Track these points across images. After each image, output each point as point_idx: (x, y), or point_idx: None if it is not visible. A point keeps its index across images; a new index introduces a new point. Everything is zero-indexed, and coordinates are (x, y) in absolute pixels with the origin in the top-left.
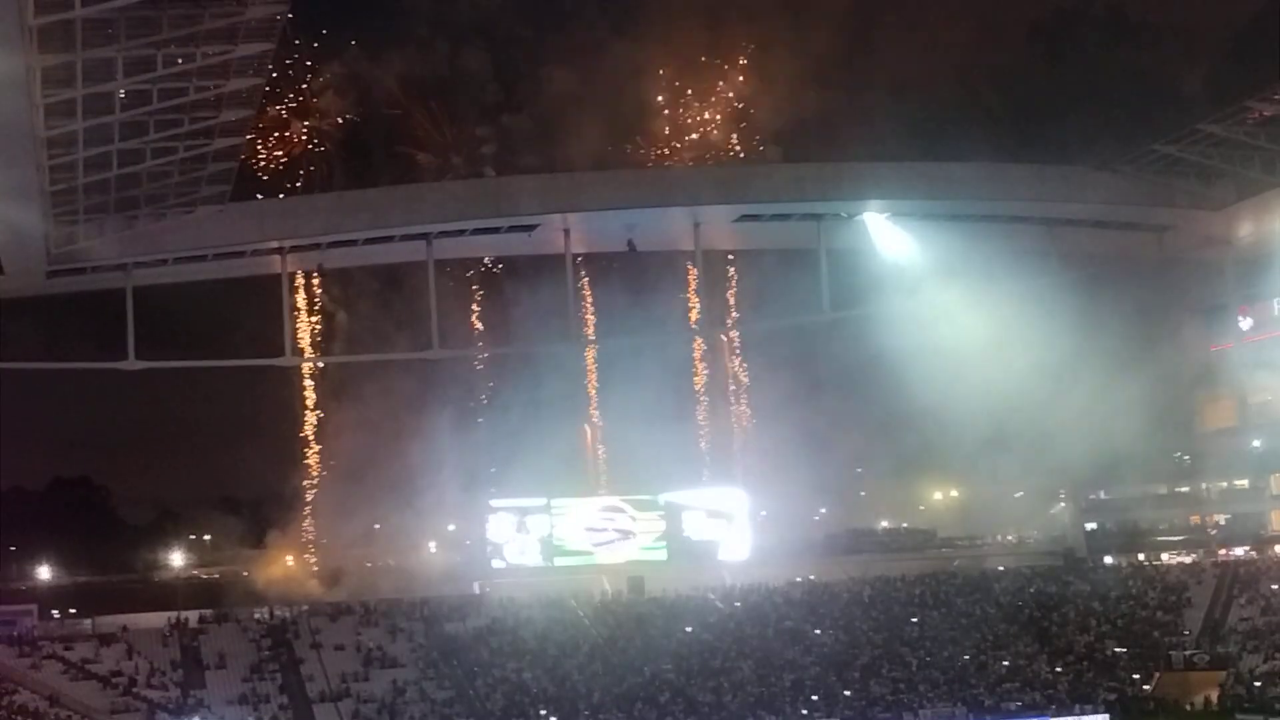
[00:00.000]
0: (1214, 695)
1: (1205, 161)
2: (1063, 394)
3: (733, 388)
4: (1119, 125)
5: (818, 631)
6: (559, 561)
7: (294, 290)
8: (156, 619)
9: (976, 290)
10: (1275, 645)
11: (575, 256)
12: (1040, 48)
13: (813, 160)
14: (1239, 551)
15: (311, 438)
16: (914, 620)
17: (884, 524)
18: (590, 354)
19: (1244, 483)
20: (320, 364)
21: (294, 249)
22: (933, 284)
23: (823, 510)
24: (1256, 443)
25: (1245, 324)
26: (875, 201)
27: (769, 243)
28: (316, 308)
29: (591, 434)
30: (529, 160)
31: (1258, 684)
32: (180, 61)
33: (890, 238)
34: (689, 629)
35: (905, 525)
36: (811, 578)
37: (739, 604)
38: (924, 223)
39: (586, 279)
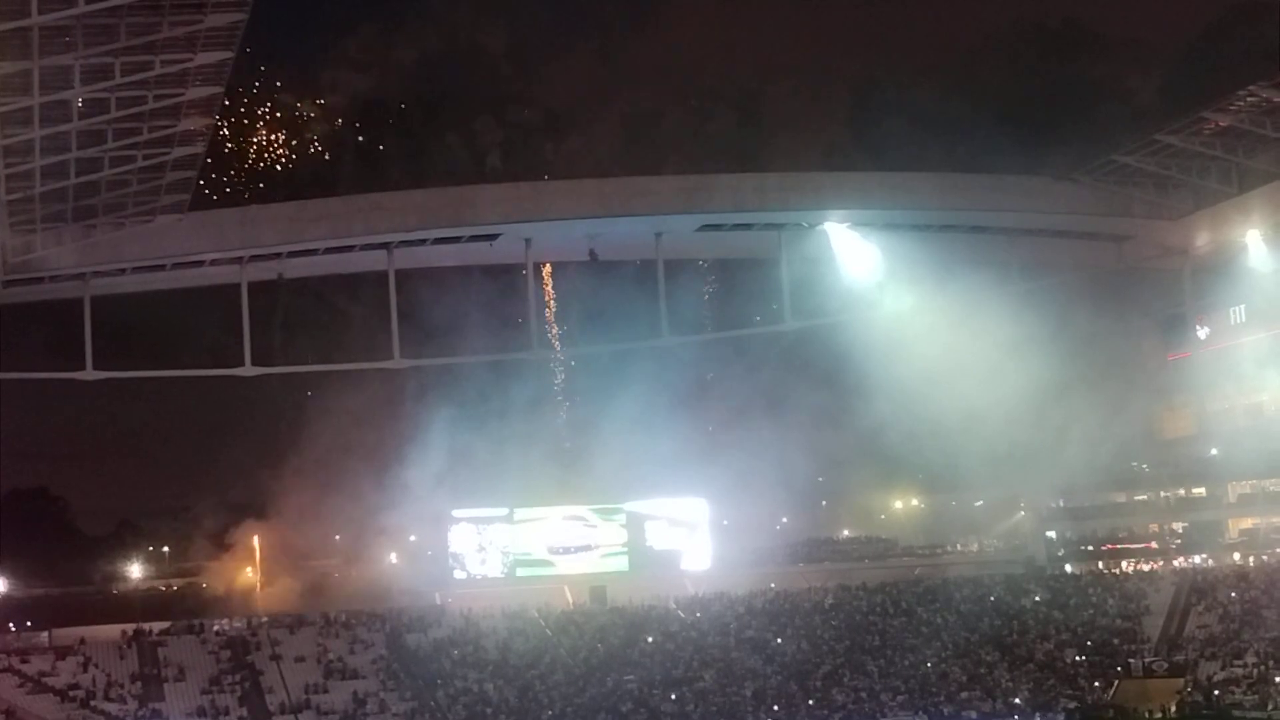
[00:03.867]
0: (1172, 703)
1: (1163, 172)
2: (1023, 404)
3: (696, 397)
4: (1078, 136)
5: (779, 640)
6: (521, 572)
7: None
8: (114, 631)
9: (937, 300)
10: (1233, 653)
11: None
12: (999, 59)
13: (773, 170)
14: (1197, 560)
15: (271, 449)
16: (875, 629)
17: (845, 533)
18: (553, 363)
19: (1202, 491)
20: (282, 374)
21: (253, 259)
22: (894, 294)
23: (785, 519)
24: (1214, 451)
25: (1203, 333)
26: (836, 211)
27: (730, 252)
28: (277, 318)
29: (554, 443)
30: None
31: (1216, 691)
32: (139, 70)
33: (851, 248)
34: (651, 639)
35: (866, 534)
36: (773, 587)
37: (701, 614)
38: (885, 233)
39: (551, 288)
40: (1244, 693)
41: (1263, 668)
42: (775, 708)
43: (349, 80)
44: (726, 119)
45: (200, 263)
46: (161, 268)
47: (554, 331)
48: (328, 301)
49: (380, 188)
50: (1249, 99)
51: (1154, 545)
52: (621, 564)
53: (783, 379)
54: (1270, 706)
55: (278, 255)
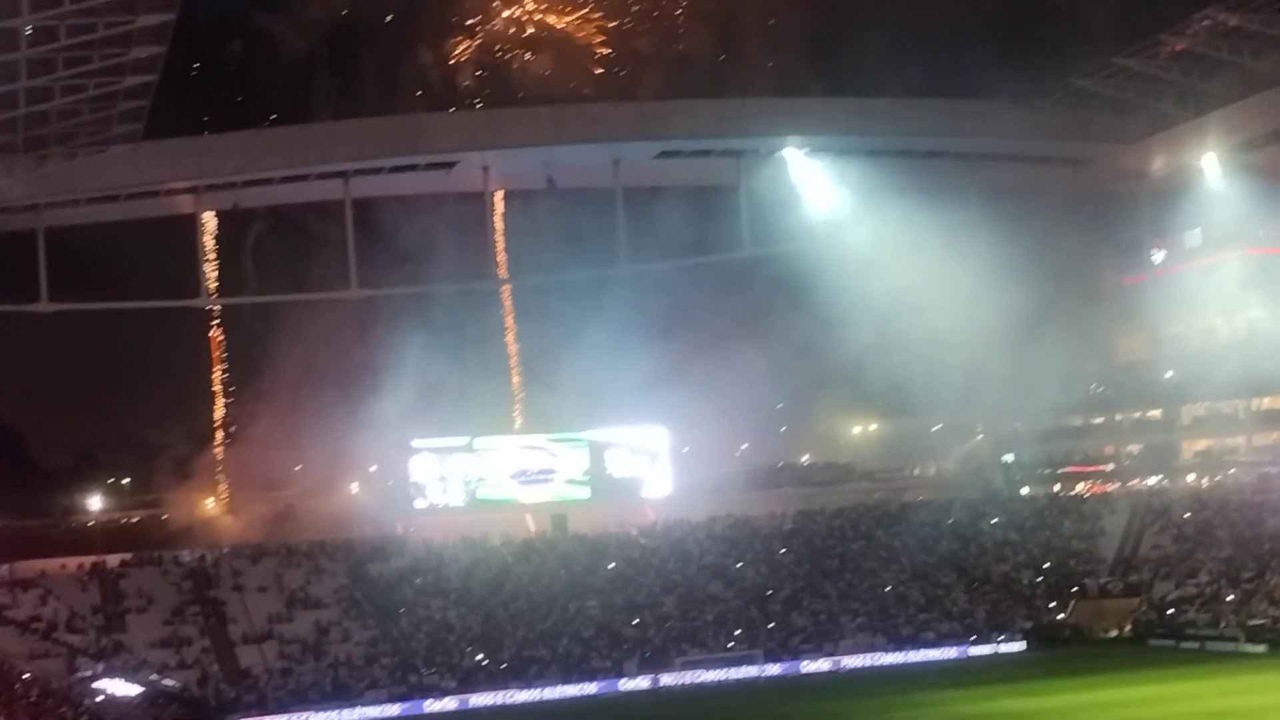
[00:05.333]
0: (1127, 622)
1: (1120, 96)
2: (980, 328)
3: (657, 326)
4: (1035, 60)
5: (740, 565)
6: (482, 500)
7: (207, 231)
8: (75, 563)
9: (895, 226)
10: (1186, 572)
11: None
12: None
13: (730, 96)
14: (1152, 481)
15: (230, 380)
16: (834, 553)
17: (805, 458)
18: (512, 292)
19: (1157, 413)
20: (235, 306)
21: (208, 188)
22: (851, 220)
23: (745, 446)
24: (1169, 374)
25: (1158, 257)
26: (794, 138)
27: (689, 179)
28: (232, 248)
29: (514, 372)
30: None
31: (1169, 610)
32: None
33: (809, 174)
34: (612, 565)
35: (826, 460)
36: (733, 513)
37: (662, 540)
38: (843, 158)
39: (505, 216)
40: (1197, 611)
41: (1215, 586)
42: (736, 631)
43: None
44: (696, 43)
45: (155, 193)
46: (116, 198)
47: (512, 260)
48: (287, 231)
49: (350, 114)
50: (1205, 23)
51: (1110, 468)
52: (583, 492)
53: (743, 306)
54: (1222, 624)
55: (233, 185)
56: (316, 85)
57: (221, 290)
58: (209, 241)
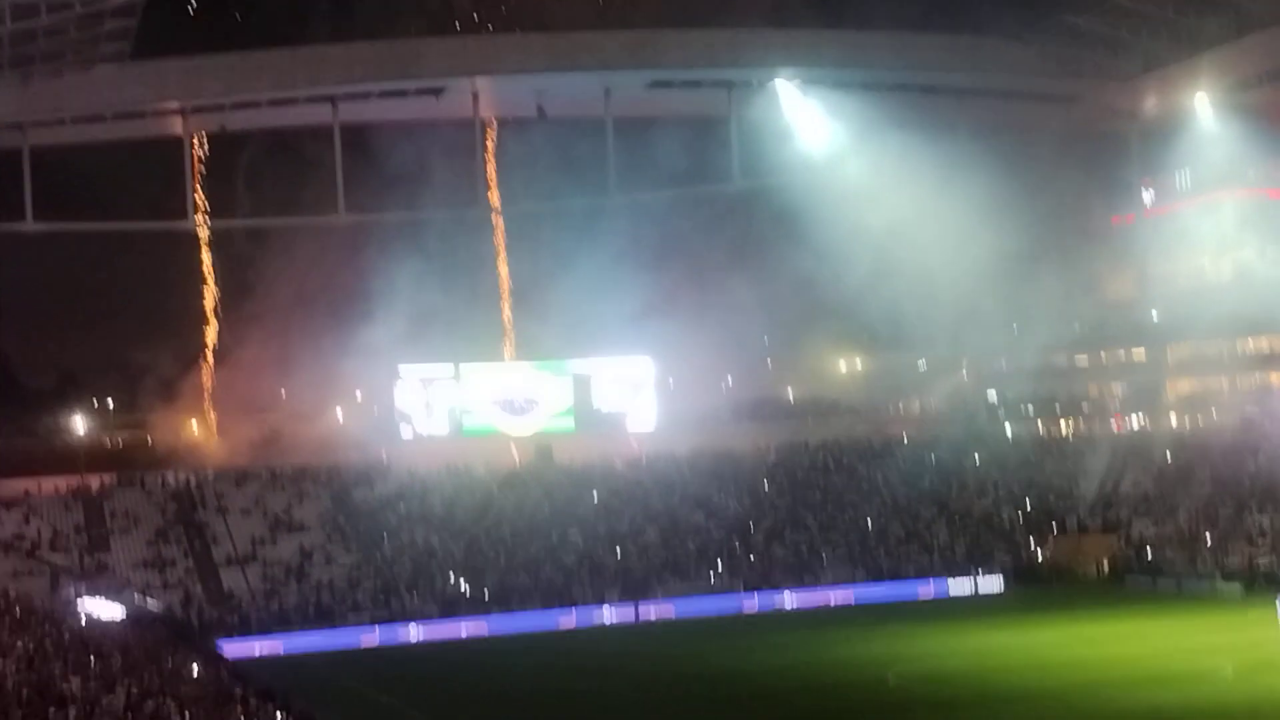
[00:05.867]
0: (1105, 558)
1: (1113, 33)
2: (968, 265)
3: (644, 256)
4: None
5: (723, 497)
6: (467, 429)
7: (195, 153)
8: (59, 484)
9: (886, 161)
10: (1165, 510)
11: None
12: None
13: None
14: (1134, 420)
15: (216, 304)
16: (817, 486)
17: (789, 392)
18: (500, 219)
19: (1141, 353)
20: (225, 228)
21: (195, 110)
22: (843, 154)
23: (729, 378)
24: (1154, 314)
25: (1148, 197)
26: (786, 69)
27: (681, 110)
28: (220, 171)
29: (503, 300)
30: None
31: (1147, 549)
32: None
33: (801, 107)
34: (596, 495)
35: (811, 394)
36: (718, 446)
37: (646, 472)
38: (835, 91)
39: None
40: (1175, 550)
41: (1194, 526)
42: (717, 561)
43: None
44: None
45: (142, 114)
46: (102, 118)
47: (504, 188)
48: (278, 153)
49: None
50: None
51: (1093, 406)
52: (567, 424)
53: (733, 239)
54: (1199, 564)
55: (220, 107)
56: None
57: (211, 212)
58: (197, 163)
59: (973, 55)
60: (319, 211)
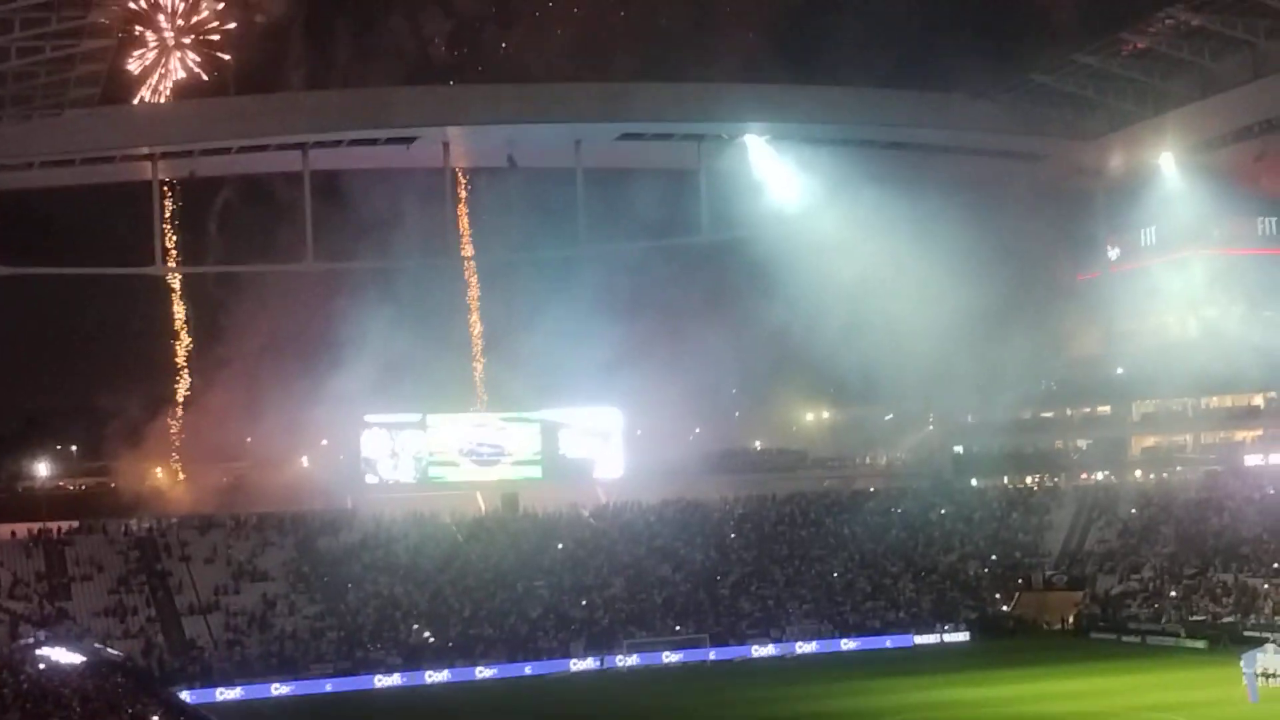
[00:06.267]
0: (1071, 614)
1: (1079, 92)
2: (934, 320)
3: (613, 307)
4: (995, 54)
5: (690, 549)
6: (433, 477)
7: (164, 198)
8: (20, 530)
9: (853, 215)
10: (1130, 567)
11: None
12: None
13: (693, 80)
14: (1099, 476)
15: (183, 350)
16: (784, 539)
17: (758, 444)
18: (470, 269)
19: (1107, 409)
20: (193, 275)
21: (165, 155)
22: (811, 208)
23: (697, 430)
24: (1120, 370)
25: (1113, 254)
26: (756, 124)
27: (651, 162)
28: (189, 217)
29: (469, 350)
30: None
31: (1112, 604)
32: None
33: (769, 161)
34: (562, 546)
35: (778, 446)
36: (685, 496)
37: (612, 522)
38: (804, 146)
39: (469, 192)
40: (1139, 606)
41: (1158, 582)
42: (684, 614)
43: None
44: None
45: (110, 159)
46: (70, 162)
47: (475, 237)
48: (251, 198)
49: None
50: (1167, 22)
51: (1059, 462)
52: (534, 472)
53: (702, 291)
54: (1164, 619)
55: (189, 153)
56: (279, 54)
57: (181, 257)
58: (167, 208)
59: (941, 112)
60: (290, 257)
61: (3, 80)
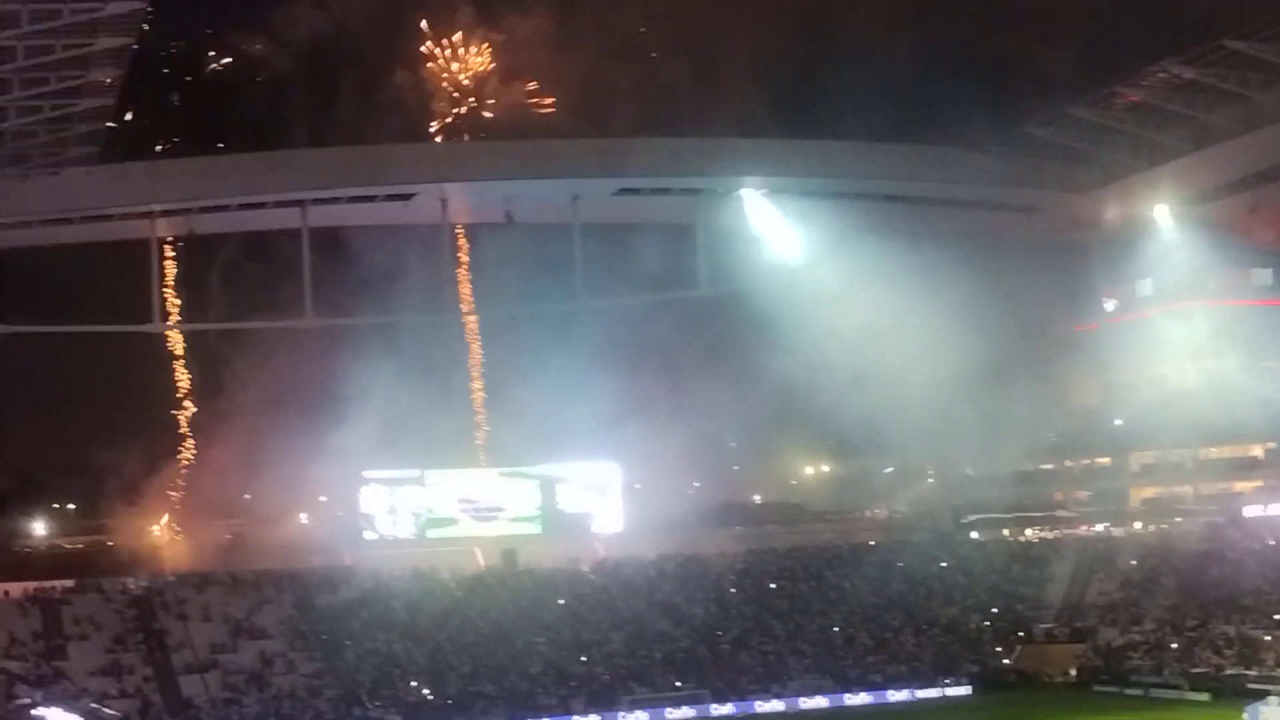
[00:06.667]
0: (1073, 667)
1: (1074, 145)
2: (932, 373)
3: (611, 361)
4: (990, 108)
5: (690, 604)
6: (431, 533)
7: (163, 255)
8: (16, 589)
9: (850, 268)
10: (1132, 619)
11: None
12: (912, 29)
13: (689, 135)
14: (1099, 528)
15: (181, 407)
16: (784, 593)
17: (757, 498)
18: (469, 324)
19: (1106, 460)
20: (190, 332)
21: (163, 213)
22: (809, 261)
23: (696, 484)
24: (1119, 421)
25: (1110, 306)
26: (752, 178)
27: (648, 216)
28: (187, 274)
29: (467, 405)
30: None
31: (1114, 657)
32: (47, 18)
33: (767, 215)
34: (561, 601)
35: (778, 500)
36: (684, 551)
37: (612, 577)
38: (800, 200)
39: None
40: (1141, 658)
41: (1160, 634)
42: (684, 670)
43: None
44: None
45: (109, 216)
46: (69, 221)
47: (475, 292)
48: (252, 253)
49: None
50: (1160, 75)
51: (1058, 513)
52: (533, 527)
53: (700, 344)
54: (1166, 672)
55: (188, 210)
56: (276, 112)
57: (180, 313)
58: (167, 264)
59: (937, 166)
60: (290, 313)
61: (1, 139)
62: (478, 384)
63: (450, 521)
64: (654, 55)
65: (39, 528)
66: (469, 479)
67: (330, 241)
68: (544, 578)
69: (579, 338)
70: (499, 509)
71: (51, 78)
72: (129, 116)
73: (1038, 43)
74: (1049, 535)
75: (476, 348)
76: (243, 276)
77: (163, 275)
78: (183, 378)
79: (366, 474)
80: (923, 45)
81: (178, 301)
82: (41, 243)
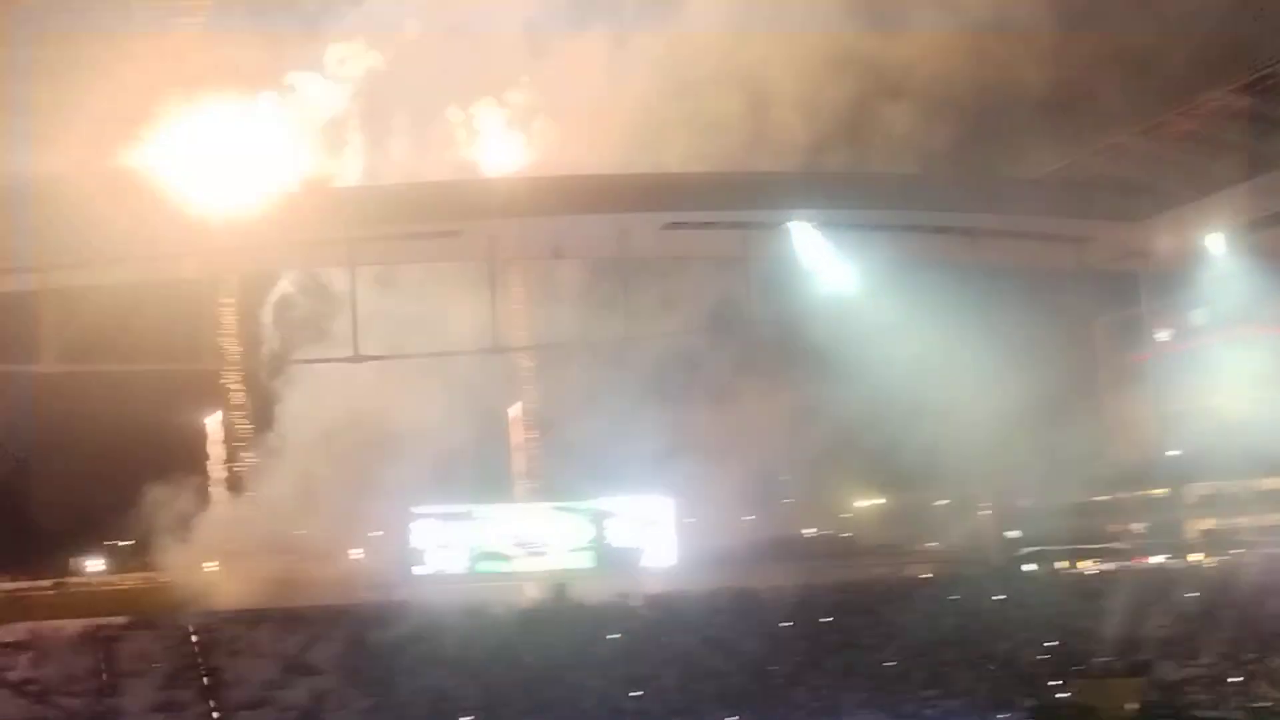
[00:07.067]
0: (1132, 702)
1: (1125, 174)
2: (984, 404)
3: (661, 395)
4: (1041, 137)
5: (742, 639)
6: (482, 568)
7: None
8: (71, 626)
9: (901, 300)
10: (1190, 652)
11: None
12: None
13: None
14: (1156, 560)
15: (233, 443)
16: (837, 628)
17: (808, 532)
18: (520, 359)
19: (1162, 492)
20: (247, 365)
21: (215, 252)
22: (860, 293)
23: (748, 518)
24: (1174, 452)
25: (1163, 336)
26: (801, 211)
27: (697, 250)
28: (239, 312)
29: (518, 439)
30: None
31: (1173, 691)
32: None
33: (816, 247)
34: (613, 636)
35: (829, 533)
36: (736, 585)
37: (664, 611)
38: (849, 232)
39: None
40: (1201, 692)
41: (1219, 668)
42: (737, 706)
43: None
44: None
45: (161, 256)
46: (123, 260)
47: (516, 326)
48: (296, 292)
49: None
50: (1212, 103)
51: (1114, 545)
52: (584, 561)
53: (747, 377)
54: (1227, 706)
55: (239, 249)
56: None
57: (230, 350)
58: (219, 302)
59: (984, 197)
60: (341, 349)
61: None
62: (529, 418)
63: (501, 556)
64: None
65: (93, 565)
66: (519, 513)
67: (381, 278)
68: (595, 613)
69: (630, 371)
70: (550, 543)
71: None
72: None
73: (1088, 72)
74: (1105, 568)
75: (528, 381)
76: (296, 312)
77: (216, 313)
78: (236, 413)
79: (417, 509)
80: (973, 76)
81: (230, 340)
82: (96, 283)
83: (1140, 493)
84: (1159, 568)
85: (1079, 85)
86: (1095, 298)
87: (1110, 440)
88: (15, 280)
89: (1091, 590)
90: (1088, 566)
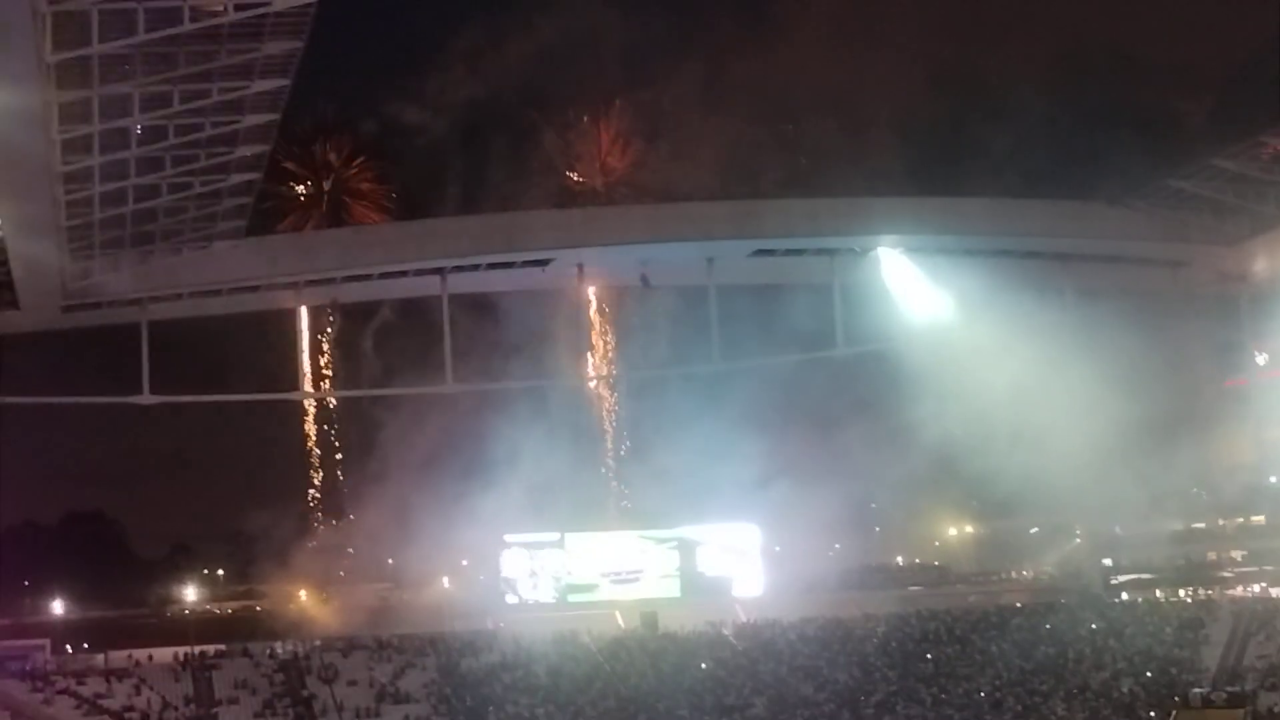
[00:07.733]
0: None
1: (1219, 197)
2: (1078, 430)
3: (749, 422)
4: (1132, 160)
5: (832, 668)
6: (572, 597)
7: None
8: (169, 653)
9: (991, 325)
10: None
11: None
12: (1049, 83)
13: (826, 195)
14: (1256, 588)
15: (327, 471)
16: (929, 657)
17: (899, 560)
18: (609, 387)
19: (1261, 519)
20: (334, 399)
21: (309, 284)
22: (948, 319)
23: (837, 546)
24: (1274, 479)
25: (1261, 360)
26: (889, 236)
27: (783, 277)
28: (332, 342)
29: (607, 468)
30: None
31: None
32: (196, 97)
33: (904, 272)
34: (703, 665)
35: (920, 561)
36: (826, 614)
37: (753, 640)
38: (938, 258)
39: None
40: None
41: None
42: None
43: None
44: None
45: (256, 287)
46: (218, 292)
47: (606, 356)
48: (393, 321)
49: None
50: None
51: (1213, 573)
52: (673, 589)
53: (835, 404)
54: None
55: (332, 280)
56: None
57: (326, 380)
58: (315, 332)
59: (1075, 221)
60: (436, 378)
61: (154, 216)
62: (618, 446)
63: (590, 585)
64: (796, 116)
65: (190, 593)
66: (608, 542)
67: (474, 306)
68: (684, 642)
69: (717, 399)
70: (639, 572)
71: (201, 154)
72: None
73: (1180, 94)
74: (1203, 596)
75: (617, 409)
76: (392, 341)
77: (317, 343)
78: (331, 443)
79: (508, 538)
80: (1063, 99)
81: (327, 369)
82: (193, 314)
83: (1240, 520)
84: (1259, 596)
85: (1171, 106)
86: (1191, 322)
87: (1207, 466)
88: (117, 313)
89: (1189, 619)
90: (1185, 594)
